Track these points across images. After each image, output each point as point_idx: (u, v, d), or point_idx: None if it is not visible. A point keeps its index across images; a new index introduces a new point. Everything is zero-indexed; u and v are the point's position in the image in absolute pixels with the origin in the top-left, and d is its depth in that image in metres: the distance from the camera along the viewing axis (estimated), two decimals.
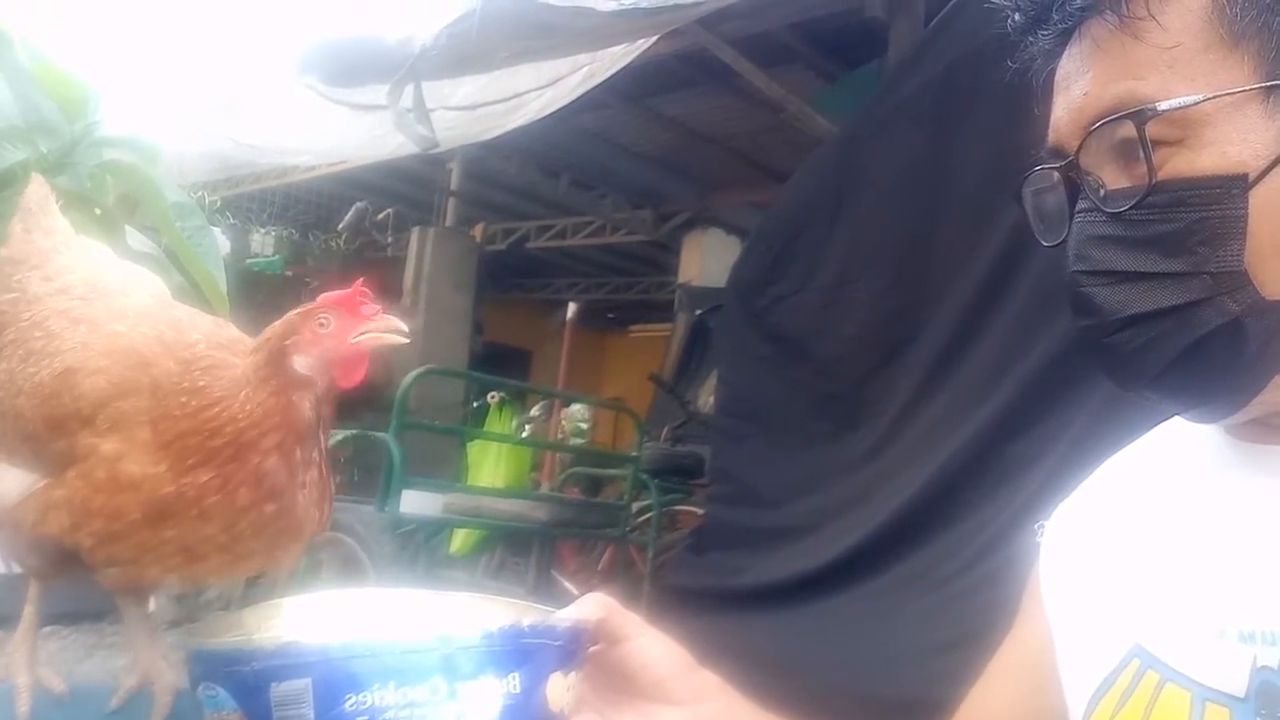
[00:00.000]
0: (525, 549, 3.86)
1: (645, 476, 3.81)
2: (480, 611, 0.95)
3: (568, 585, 4.24)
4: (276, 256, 6.31)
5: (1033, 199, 0.73)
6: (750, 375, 2.87)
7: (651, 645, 0.80)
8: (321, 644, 0.64)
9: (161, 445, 0.79)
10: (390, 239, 6.84)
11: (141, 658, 0.91)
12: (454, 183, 7.02)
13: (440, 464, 4.66)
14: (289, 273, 6.29)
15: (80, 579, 0.88)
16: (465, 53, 3.33)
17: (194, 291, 1.34)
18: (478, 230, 7.29)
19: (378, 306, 0.82)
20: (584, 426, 6.42)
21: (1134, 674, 0.72)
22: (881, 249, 2.57)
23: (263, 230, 6.48)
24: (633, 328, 11.00)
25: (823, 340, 2.66)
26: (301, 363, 0.78)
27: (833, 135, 3.46)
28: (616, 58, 3.94)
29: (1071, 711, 0.78)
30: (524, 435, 5.07)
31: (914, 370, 2.43)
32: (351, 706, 0.63)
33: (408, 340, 0.84)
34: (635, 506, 3.92)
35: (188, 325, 0.91)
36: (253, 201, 7.16)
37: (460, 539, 4.24)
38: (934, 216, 2.45)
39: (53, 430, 0.79)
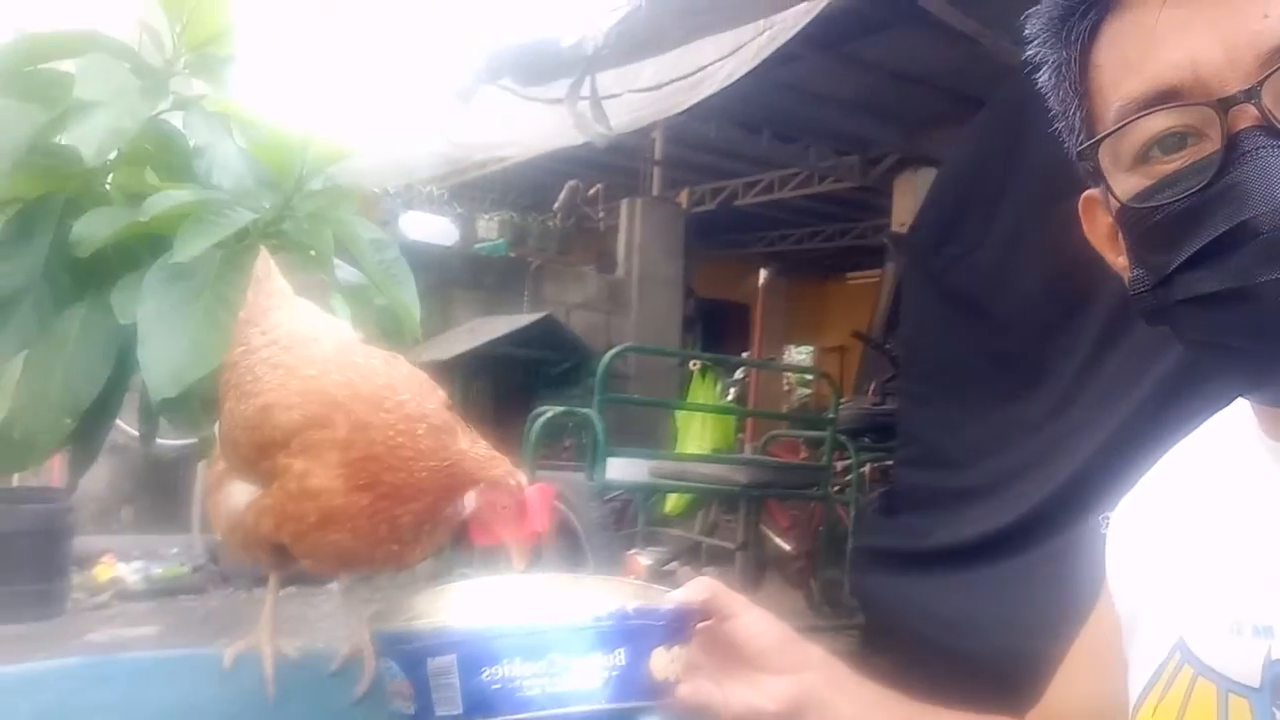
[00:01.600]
0: (736, 508, 4.02)
1: (843, 437, 3.85)
2: (601, 595, 1.10)
3: (779, 541, 4.38)
4: (500, 240, 6.74)
5: (1134, 149, 0.66)
6: (930, 335, 2.86)
7: (755, 621, 0.92)
8: (465, 627, 0.81)
9: (345, 464, 0.99)
10: (602, 212, 7.13)
11: (353, 631, 1.12)
12: (658, 151, 7.19)
13: (653, 430, 4.90)
14: (512, 254, 6.71)
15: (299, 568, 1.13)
16: (638, 41, 3.47)
17: (392, 316, 1.55)
18: (683, 196, 7.44)
19: (541, 528, 0.97)
20: (809, 378, 6.45)
21: (1174, 668, 0.76)
22: (1056, 200, 2.47)
23: (486, 216, 6.93)
24: (850, 275, 10.83)
25: (999, 298, 2.61)
26: (466, 508, 0.95)
27: (1014, 75, 3.31)
28: (800, 14, 3.92)
29: (1130, 702, 0.82)
30: (728, 398, 5.21)
31: (1091, 327, 2.36)
32: (488, 677, 0.79)
33: (523, 569, 0.99)
34: (840, 465, 3.97)
35: (366, 368, 1.11)
36: (475, 189, 7.66)
37: (673, 501, 4.46)
38: None
39: (259, 453, 0.99)
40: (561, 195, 6.92)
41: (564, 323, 6.28)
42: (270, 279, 1.20)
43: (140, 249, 1.32)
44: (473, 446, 0.96)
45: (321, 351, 1.08)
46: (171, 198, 1.23)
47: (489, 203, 7.43)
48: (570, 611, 0.80)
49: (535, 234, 6.93)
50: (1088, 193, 0.82)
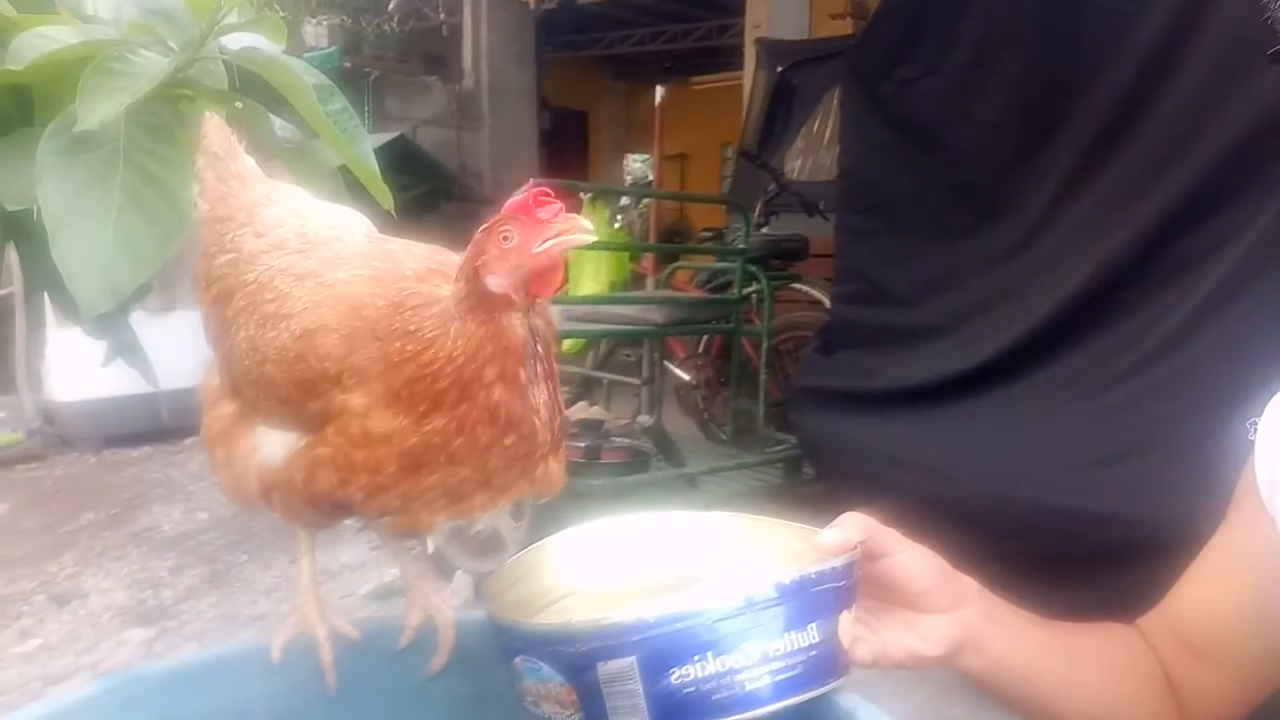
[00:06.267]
0: (637, 343, 3.89)
1: (751, 267, 3.74)
2: (749, 538, 0.95)
3: (678, 371, 4.32)
4: (332, 48, 6.00)
5: None
6: (876, 166, 2.72)
7: (913, 559, 0.84)
8: (637, 622, 0.66)
9: (394, 396, 0.76)
10: (443, 15, 6.46)
11: (418, 595, 0.93)
12: None
13: None
14: (347, 64, 6.01)
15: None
16: None
17: (349, 176, 1.28)
18: None
19: (557, 206, 0.73)
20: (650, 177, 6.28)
21: None
22: (1022, 25, 2.34)
23: (314, 20, 6.12)
24: (694, 78, 10.48)
25: (958, 126, 2.49)
26: (495, 283, 0.72)
27: None
28: None
29: None
30: (617, 227, 4.97)
31: (1064, 158, 2.28)
32: (677, 680, 0.67)
33: (593, 239, 0.75)
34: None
35: (402, 257, 0.86)
36: None
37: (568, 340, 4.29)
38: None
39: (305, 393, 0.78)
40: None
41: (415, 142, 5.76)
42: (234, 158, 0.95)
43: (6, 107, 1.00)
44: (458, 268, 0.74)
45: (349, 249, 0.86)
46: (46, 38, 0.92)
47: (315, 4, 6.58)
48: (739, 585, 0.67)
49: (371, 40, 6.21)
50: None
